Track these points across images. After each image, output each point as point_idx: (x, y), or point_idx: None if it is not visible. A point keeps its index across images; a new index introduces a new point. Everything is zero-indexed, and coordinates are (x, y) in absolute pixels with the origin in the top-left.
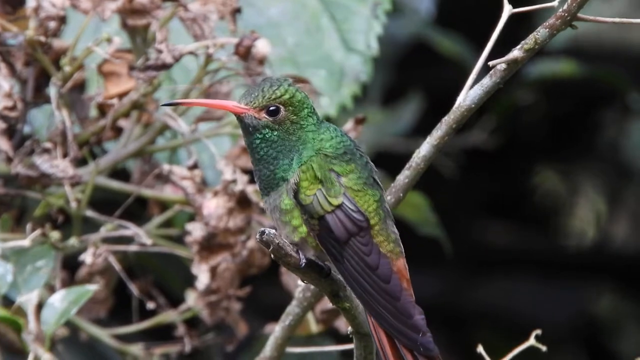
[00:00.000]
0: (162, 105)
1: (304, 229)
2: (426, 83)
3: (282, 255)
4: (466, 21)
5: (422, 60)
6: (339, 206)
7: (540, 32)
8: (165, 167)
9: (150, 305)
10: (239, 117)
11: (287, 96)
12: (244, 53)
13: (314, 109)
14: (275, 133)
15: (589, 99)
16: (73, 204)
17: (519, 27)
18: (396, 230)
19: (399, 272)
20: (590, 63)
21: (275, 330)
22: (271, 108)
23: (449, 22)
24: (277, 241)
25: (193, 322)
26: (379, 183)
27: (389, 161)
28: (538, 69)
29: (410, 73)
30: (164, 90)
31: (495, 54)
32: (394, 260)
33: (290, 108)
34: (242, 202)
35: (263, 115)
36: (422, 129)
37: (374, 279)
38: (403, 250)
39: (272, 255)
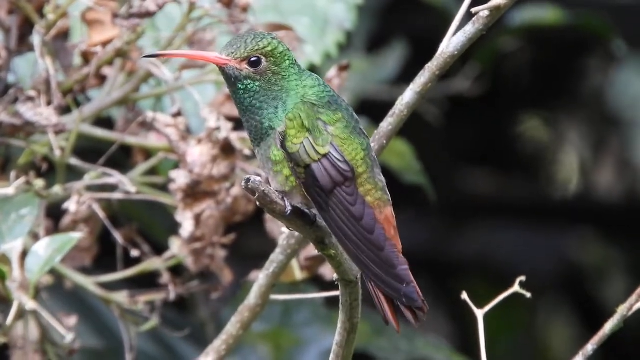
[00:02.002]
0: (145, 57)
1: (294, 178)
2: (410, 31)
3: (267, 202)
4: None
5: (405, 8)
6: (326, 155)
7: None
8: (149, 114)
9: (135, 253)
10: (222, 69)
11: (269, 48)
12: (228, 1)
13: (295, 60)
14: (257, 84)
15: (573, 46)
16: (57, 152)
17: None
18: (383, 179)
19: (386, 220)
20: (574, 10)
21: (259, 278)
22: (252, 59)
23: None
24: (262, 188)
25: (177, 270)
26: (365, 133)
27: (373, 109)
28: (522, 16)
29: (394, 21)
30: (148, 38)
31: (478, 0)
32: (381, 209)
33: (271, 59)
34: (226, 149)
35: (244, 66)
36: (406, 77)
37: (358, 228)
38: (390, 199)
39: (257, 203)
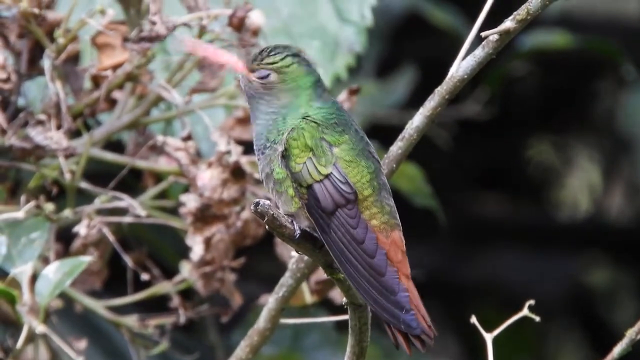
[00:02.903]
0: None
1: (298, 198)
2: (420, 55)
3: (276, 226)
4: None
5: (415, 32)
6: (328, 176)
7: (532, 3)
8: (160, 138)
9: (145, 276)
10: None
11: (280, 64)
12: (238, 24)
13: (318, 84)
14: (266, 97)
15: (583, 70)
16: (67, 176)
17: None
18: (392, 203)
19: (393, 244)
20: (584, 34)
21: (269, 302)
22: (262, 72)
23: None
24: (271, 212)
25: (187, 294)
26: (375, 157)
27: (382, 133)
28: (532, 40)
29: (404, 45)
30: (158, 62)
31: (487, 24)
32: (388, 232)
33: (281, 76)
34: (236, 173)
35: (254, 76)
36: (415, 101)
37: (359, 252)
38: (399, 223)
39: (266, 226)
